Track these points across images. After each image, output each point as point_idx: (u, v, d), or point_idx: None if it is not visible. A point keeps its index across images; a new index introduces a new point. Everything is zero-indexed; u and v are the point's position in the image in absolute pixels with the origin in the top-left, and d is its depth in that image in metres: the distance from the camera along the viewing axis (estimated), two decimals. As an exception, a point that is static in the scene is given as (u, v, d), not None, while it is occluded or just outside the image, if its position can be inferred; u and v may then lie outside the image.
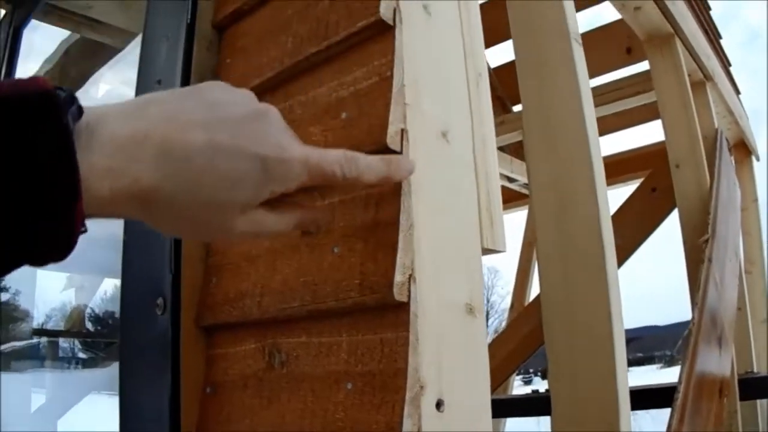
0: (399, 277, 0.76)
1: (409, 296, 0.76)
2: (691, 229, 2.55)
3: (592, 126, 1.46)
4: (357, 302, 0.79)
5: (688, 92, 2.73)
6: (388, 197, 0.81)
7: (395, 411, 0.72)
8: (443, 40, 0.96)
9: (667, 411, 1.82)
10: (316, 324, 0.87)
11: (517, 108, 4.36)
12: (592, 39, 3.83)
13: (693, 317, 2.20)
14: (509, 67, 3.87)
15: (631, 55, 3.91)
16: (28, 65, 3.08)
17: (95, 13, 2.77)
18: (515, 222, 5.59)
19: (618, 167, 4.26)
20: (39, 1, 2.65)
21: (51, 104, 0.48)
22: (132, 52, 3.13)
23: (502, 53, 3.68)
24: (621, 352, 1.42)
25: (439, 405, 0.75)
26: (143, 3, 2.90)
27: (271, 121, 0.64)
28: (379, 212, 0.81)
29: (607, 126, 4.14)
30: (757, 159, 4.42)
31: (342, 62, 0.92)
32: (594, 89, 3.69)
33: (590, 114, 1.48)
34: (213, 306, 1.02)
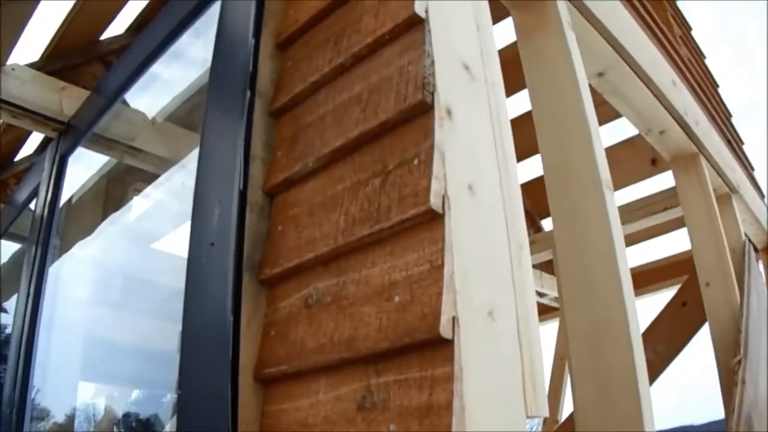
0: (454, 461, 0.80)
1: (463, 477, 0.80)
2: (724, 349, 2.55)
3: (625, 272, 1.51)
4: (414, 484, 0.83)
5: (715, 210, 2.78)
6: (440, 381, 0.85)
7: None
8: (488, 219, 1.03)
9: None
10: (372, 498, 0.91)
11: (545, 221, 4.43)
12: (617, 152, 3.91)
13: (730, 441, 2.19)
14: (538, 182, 3.94)
15: (656, 166, 3.97)
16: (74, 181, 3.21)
17: (138, 143, 2.91)
18: (546, 335, 5.59)
19: (650, 276, 4.28)
20: (87, 131, 2.77)
21: None
22: (170, 177, 3.27)
23: (530, 168, 3.75)
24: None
25: None
26: (183, 133, 3.05)
27: None
28: (433, 395, 0.86)
29: (638, 237, 4.18)
30: (787, 260, 4.41)
31: (393, 245, 0.99)
32: (623, 206, 3.76)
33: (622, 257, 1.53)
34: (269, 470, 1.06)
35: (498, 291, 0.99)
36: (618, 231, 1.57)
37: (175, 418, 1.26)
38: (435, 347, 0.87)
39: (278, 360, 1.10)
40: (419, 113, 1.03)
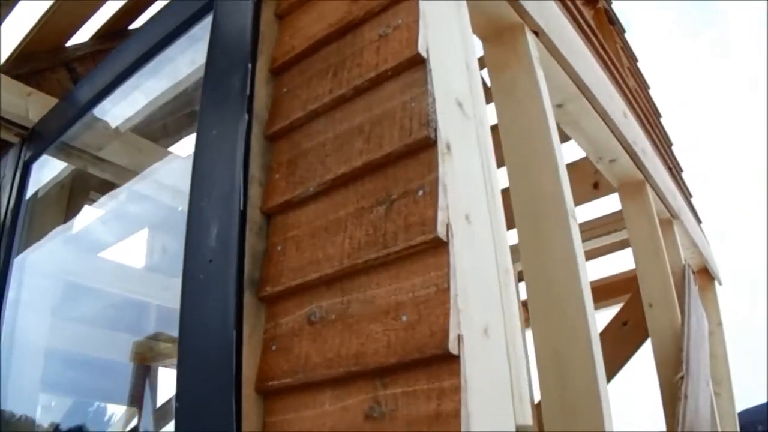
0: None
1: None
2: (666, 367, 2.70)
3: (588, 296, 1.63)
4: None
5: (659, 235, 2.94)
6: (448, 392, 0.95)
7: None
8: (481, 245, 1.13)
9: None
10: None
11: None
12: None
13: (673, 453, 2.33)
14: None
15: (598, 190, 4.11)
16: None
17: (105, 153, 2.92)
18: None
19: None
20: (55, 138, 2.75)
21: None
22: (129, 187, 3.28)
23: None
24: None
25: None
26: (146, 144, 3.05)
27: None
28: (441, 405, 0.95)
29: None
30: (720, 284, 4.64)
31: (398, 269, 1.08)
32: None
33: (587, 287, 1.64)
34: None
35: (490, 311, 1.09)
36: (582, 258, 1.69)
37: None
38: (442, 362, 0.97)
39: (282, 373, 1.17)
40: (423, 148, 1.13)
